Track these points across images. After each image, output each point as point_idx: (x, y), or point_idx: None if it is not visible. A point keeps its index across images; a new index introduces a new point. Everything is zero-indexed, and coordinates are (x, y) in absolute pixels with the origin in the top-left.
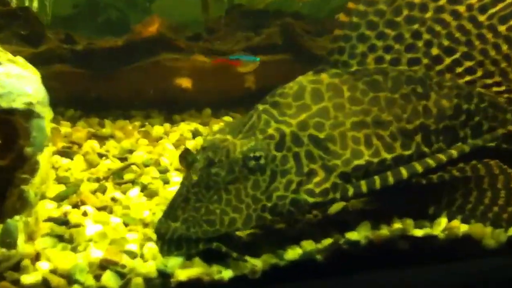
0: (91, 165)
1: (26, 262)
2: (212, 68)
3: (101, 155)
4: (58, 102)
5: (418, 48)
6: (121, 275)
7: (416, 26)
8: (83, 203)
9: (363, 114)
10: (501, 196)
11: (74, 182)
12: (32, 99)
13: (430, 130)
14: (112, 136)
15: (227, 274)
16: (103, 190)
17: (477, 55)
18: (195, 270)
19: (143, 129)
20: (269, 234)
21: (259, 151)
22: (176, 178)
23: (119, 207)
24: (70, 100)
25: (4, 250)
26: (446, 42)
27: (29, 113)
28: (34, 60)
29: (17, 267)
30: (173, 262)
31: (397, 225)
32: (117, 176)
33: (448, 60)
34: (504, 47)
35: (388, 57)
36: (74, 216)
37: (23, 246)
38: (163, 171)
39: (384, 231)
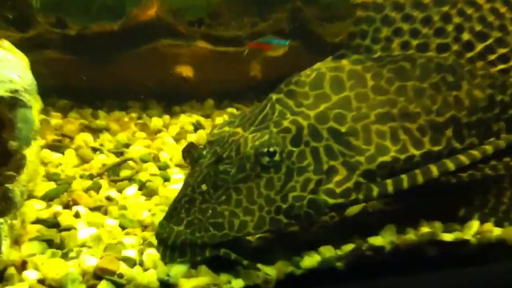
0: (84, 160)
1: (11, 270)
2: (215, 56)
3: (94, 150)
4: (48, 91)
5: (448, 32)
6: (118, 286)
7: (445, 8)
8: (75, 202)
9: (388, 105)
10: None
11: (65, 180)
12: (18, 86)
13: (461, 124)
14: (106, 129)
15: (237, 284)
16: (97, 188)
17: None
18: (201, 279)
19: (140, 121)
20: (283, 238)
21: (273, 146)
22: (177, 175)
23: (114, 207)
24: (61, 89)
25: None
26: (478, 27)
27: (14, 102)
28: (22, 46)
29: (1, 277)
30: (177, 271)
31: (425, 229)
32: (112, 172)
33: (480, 47)
34: None
35: (415, 42)
36: (65, 217)
37: (8, 253)
38: (163, 167)
39: (411, 235)
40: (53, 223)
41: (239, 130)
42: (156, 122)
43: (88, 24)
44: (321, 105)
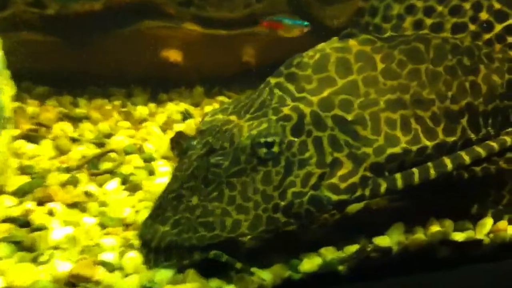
0: (61, 151)
1: None
2: (205, 39)
3: (73, 140)
4: (24, 77)
5: (465, 11)
6: None
7: None
8: (50, 199)
9: (400, 91)
10: None
11: (40, 173)
12: None
13: (478, 112)
14: (87, 118)
15: None
16: (75, 183)
17: None
18: (189, 286)
19: (124, 109)
20: (281, 238)
21: (272, 136)
22: (163, 168)
23: (94, 203)
24: (38, 74)
25: None
26: (497, 5)
27: None
28: None
29: None
30: (162, 276)
31: (435, 228)
32: (92, 165)
33: (498, 27)
34: None
35: (429, 21)
36: (38, 215)
37: None
38: (148, 160)
39: (420, 235)
40: (24, 222)
41: (233, 118)
42: (141, 110)
43: (68, 3)
44: (325, 90)
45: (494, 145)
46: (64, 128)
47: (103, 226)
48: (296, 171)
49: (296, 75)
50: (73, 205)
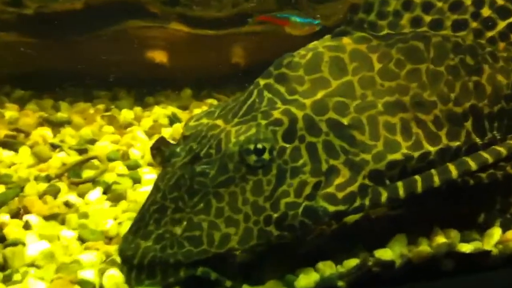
0: (40, 159)
1: None
2: (192, 40)
3: (54, 146)
4: (2, 80)
5: (466, 7)
6: None
7: None
8: (26, 210)
9: (399, 93)
10: None
11: (17, 183)
12: None
13: (483, 115)
14: (68, 122)
15: None
16: (54, 193)
17: None
18: None
19: (108, 113)
20: (274, 251)
21: (262, 142)
22: (149, 176)
23: (74, 215)
24: (17, 77)
25: None
26: (500, 1)
27: None
28: None
29: None
30: None
31: (440, 239)
32: (73, 173)
33: (502, 24)
34: None
35: (428, 18)
36: (13, 229)
37: None
38: (133, 167)
39: (425, 247)
40: None
41: (219, 122)
42: (126, 114)
43: (47, 3)
44: (318, 92)
45: (501, 150)
46: (44, 133)
47: (82, 240)
48: (289, 180)
49: (286, 76)
50: (51, 217)
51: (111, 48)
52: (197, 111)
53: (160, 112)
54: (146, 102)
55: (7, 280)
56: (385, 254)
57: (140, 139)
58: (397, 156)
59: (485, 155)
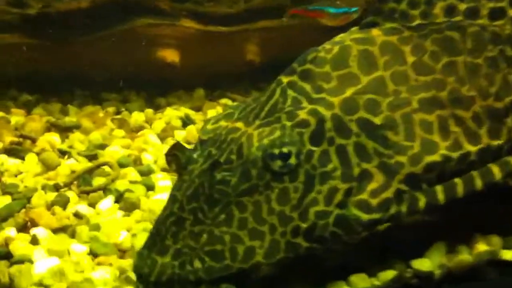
0: (48, 167)
1: None
2: (204, 37)
3: (62, 153)
4: (8, 84)
5: None
6: None
7: None
8: (34, 223)
9: (435, 88)
10: None
11: (23, 193)
12: None
13: None
14: (77, 127)
15: None
16: (63, 203)
17: None
18: None
19: (118, 116)
20: (302, 263)
21: (287, 146)
22: (164, 182)
23: (84, 227)
24: (23, 80)
25: None
26: None
27: None
28: None
29: None
30: None
31: (482, 246)
32: (83, 181)
33: None
34: None
35: (462, 6)
36: (19, 244)
37: None
38: (146, 173)
39: (465, 255)
40: (3, 254)
41: (240, 125)
42: (137, 117)
43: (50, 2)
44: (347, 90)
45: None
46: (51, 139)
47: (94, 254)
48: (318, 187)
49: (312, 72)
50: (60, 230)
51: (119, 48)
52: (211, 112)
53: (173, 114)
54: (158, 103)
55: None
56: (423, 264)
57: (152, 142)
58: (435, 157)
59: None
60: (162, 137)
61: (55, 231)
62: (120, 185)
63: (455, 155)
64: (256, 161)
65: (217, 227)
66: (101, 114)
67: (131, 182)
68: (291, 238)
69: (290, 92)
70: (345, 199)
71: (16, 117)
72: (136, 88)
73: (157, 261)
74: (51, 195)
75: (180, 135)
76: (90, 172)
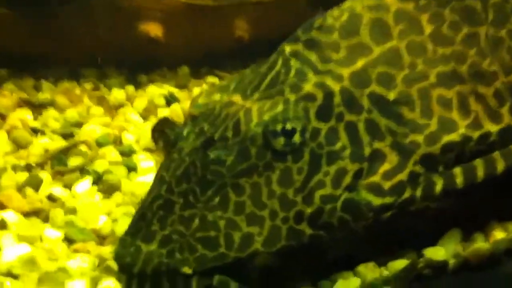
0: (19, 145)
1: None
2: (190, 11)
3: (34, 131)
4: None
5: None
6: None
7: None
8: (2, 206)
9: (455, 61)
10: None
11: None
12: None
13: None
14: (51, 104)
15: None
16: (36, 184)
17: None
18: None
19: (96, 93)
20: (304, 252)
21: (291, 122)
22: (146, 163)
23: (59, 210)
24: None
25: None
26: None
27: None
28: None
29: None
30: None
31: (499, 233)
32: (57, 161)
33: None
34: None
35: None
36: None
37: None
38: (127, 153)
39: (482, 243)
40: None
41: (236, 98)
42: (116, 94)
43: None
44: (358, 61)
45: None
46: (23, 116)
47: (70, 240)
48: (325, 168)
49: (318, 41)
50: (32, 213)
51: (99, 21)
52: (197, 90)
53: (155, 91)
54: (139, 80)
55: None
56: (437, 253)
57: (133, 121)
58: (453, 137)
59: None
60: (144, 116)
61: (26, 215)
62: (99, 165)
63: (475, 134)
64: (255, 139)
65: (211, 212)
66: (77, 91)
67: (111, 163)
68: (293, 224)
69: (294, 63)
70: (354, 181)
71: None
72: (116, 64)
73: (141, 248)
74: (22, 176)
75: (163, 114)
76: (65, 151)
